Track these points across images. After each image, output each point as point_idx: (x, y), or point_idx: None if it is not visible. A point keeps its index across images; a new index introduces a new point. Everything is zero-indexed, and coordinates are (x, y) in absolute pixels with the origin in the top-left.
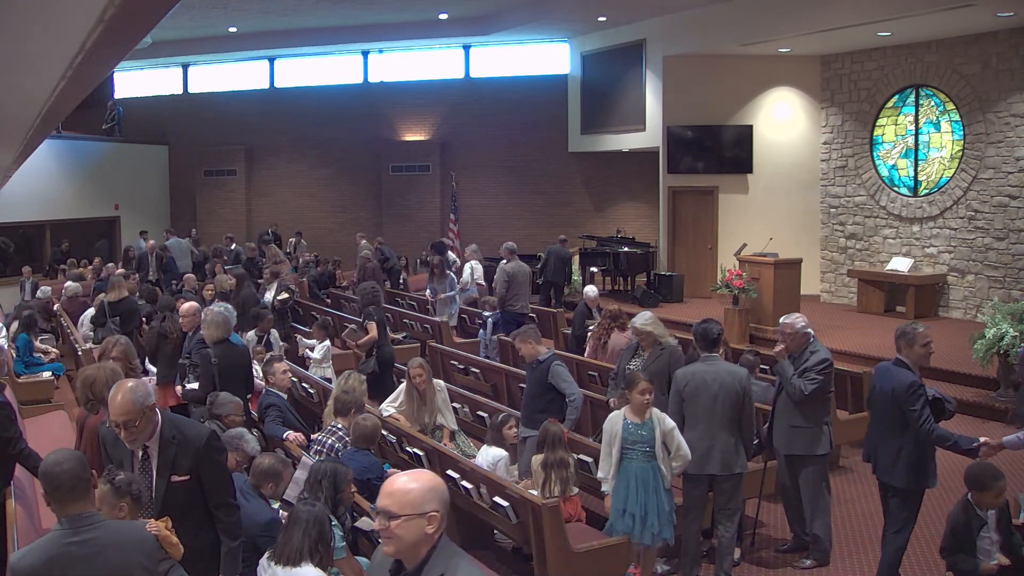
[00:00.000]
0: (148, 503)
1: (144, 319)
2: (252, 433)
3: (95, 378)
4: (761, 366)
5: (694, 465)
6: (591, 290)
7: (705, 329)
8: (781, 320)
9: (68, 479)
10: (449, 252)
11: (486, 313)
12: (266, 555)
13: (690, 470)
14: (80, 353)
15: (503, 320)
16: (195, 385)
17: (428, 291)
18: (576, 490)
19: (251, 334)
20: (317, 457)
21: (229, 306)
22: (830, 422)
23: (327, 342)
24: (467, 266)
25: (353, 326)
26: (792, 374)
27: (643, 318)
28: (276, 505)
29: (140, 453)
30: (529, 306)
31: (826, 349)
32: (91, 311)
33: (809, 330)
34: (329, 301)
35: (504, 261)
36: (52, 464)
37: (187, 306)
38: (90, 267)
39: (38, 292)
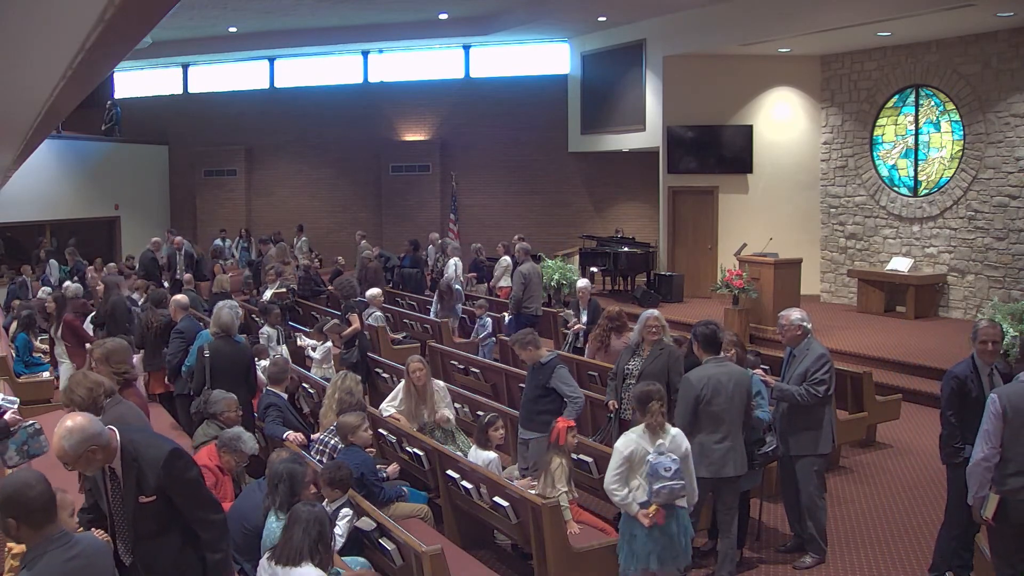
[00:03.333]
0: (122, 524)
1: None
2: (253, 433)
3: (100, 381)
4: (762, 366)
5: (712, 469)
6: (581, 282)
7: (710, 333)
8: (780, 315)
9: (42, 501)
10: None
11: (487, 318)
12: (266, 555)
13: (707, 475)
14: None
15: (518, 321)
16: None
17: (432, 312)
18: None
19: (268, 328)
20: (318, 457)
21: (233, 303)
22: (833, 421)
23: (328, 343)
24: (450, 263)
25: (335, 320)
26: (793, 389)
27: (656, 312)
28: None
29: (108, 474)
30: (541, 308)
31: (822, 345)
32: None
33: (806, 324)
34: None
35: (505, 260)
36: (22, 487)
37: (177, 298)
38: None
39: (39, 292)
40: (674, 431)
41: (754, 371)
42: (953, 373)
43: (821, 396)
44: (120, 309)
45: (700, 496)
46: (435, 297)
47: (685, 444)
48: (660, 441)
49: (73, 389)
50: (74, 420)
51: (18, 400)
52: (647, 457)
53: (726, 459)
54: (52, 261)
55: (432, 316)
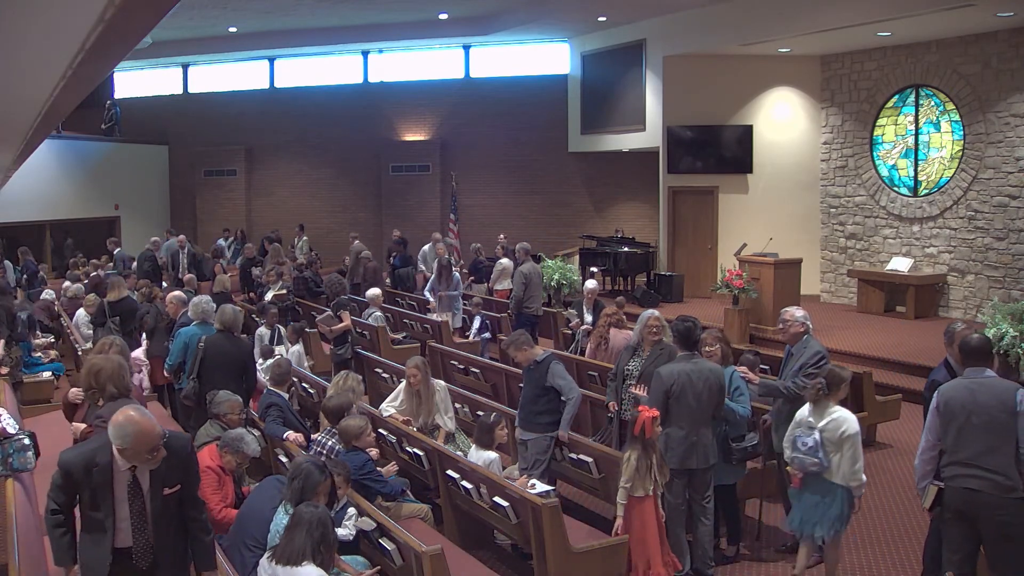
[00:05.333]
0: (141, 524)
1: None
2: (252, 433)
3: (101, 367)
4: (761, 366)
5: (677, 460)
6: (590, 283)
7: (686, 329)
8: (783, 311)
9: None
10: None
11: (477, 317)
12: (266, 555)
13: (672, 464)
14: (80, 353)
15: (519, 322)
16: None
17: (427, 292)
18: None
19: (263, 329)
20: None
21: (208, 297)
22: None
23: (298, 345)
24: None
25: (328, 313)
26: (778, 383)
27: (656, 312)
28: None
29: (128, 474)
30: (542, 308)
31: (821, 344)
32: (81, 311)
33: (808, 323)
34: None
35: (503, 263)
36: None
37: (174, 294)
38: (86, 267)
39: (43, 294)
40: (838, 415)
41: (736, 368)
42: (933, 382)
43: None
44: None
45: (679, 487)
46: (434, 274)
47: (844, 429)
48: (821, 421)
49: (80, 371)
50: (136, 410)
51: (18, 427)
52: (796, 429)
53: (689, 452)
54: (7, 262)
55: (434, 295)
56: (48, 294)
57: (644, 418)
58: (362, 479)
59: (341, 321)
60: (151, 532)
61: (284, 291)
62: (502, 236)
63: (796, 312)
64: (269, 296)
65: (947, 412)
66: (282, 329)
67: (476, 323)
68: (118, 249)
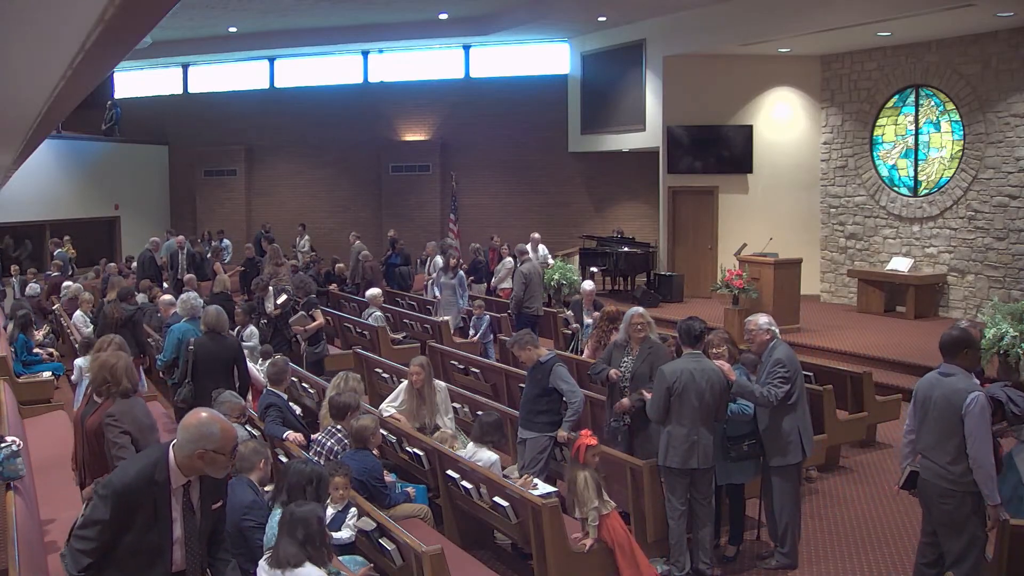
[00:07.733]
0: (193, 544)
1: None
2: (252, 434)
3: (115, 363)
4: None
5: (679, 459)
6: (587, 284)
7: (689, 326)
8: (746, 320)
9: None
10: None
11: (484, 317)
12: (263, 559)
13: (674, 464)
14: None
15: (519, 321)
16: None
17: (434, 288)
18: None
19: (252, 327)
20: (317, 459)
21: (195, 294)
22: (805, 430)
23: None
24: (434, 261)
25: (301, 313)
26: (754, 387)
27: (640, 310)
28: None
29: (181, 490)
30: (542, 308)
31: (786, 348)
32: (79, 312)
33: (773, 328)
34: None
35: (508, 262)
36: None
37: (163, 298)
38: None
39: (26, 290)
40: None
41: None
42: None
43: (781, 398)
44: None
45: (681, 487)
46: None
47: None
48: None
49: (93, 368)
50: (218, 417)
51: None
52: None
53: (691, 451)
54: None
55: (435, 292)
56: (32, 290)
57: (580, 444)
58: (371, 483)
59: (314, 320)
60: (199, 552)
61: (285, 298)
62: (497, 239)
63: (760, 319)
64: (269, 306)
65: (915, 402)
66: (252, 329)
67: (484, 324)
68: (59, 250)
